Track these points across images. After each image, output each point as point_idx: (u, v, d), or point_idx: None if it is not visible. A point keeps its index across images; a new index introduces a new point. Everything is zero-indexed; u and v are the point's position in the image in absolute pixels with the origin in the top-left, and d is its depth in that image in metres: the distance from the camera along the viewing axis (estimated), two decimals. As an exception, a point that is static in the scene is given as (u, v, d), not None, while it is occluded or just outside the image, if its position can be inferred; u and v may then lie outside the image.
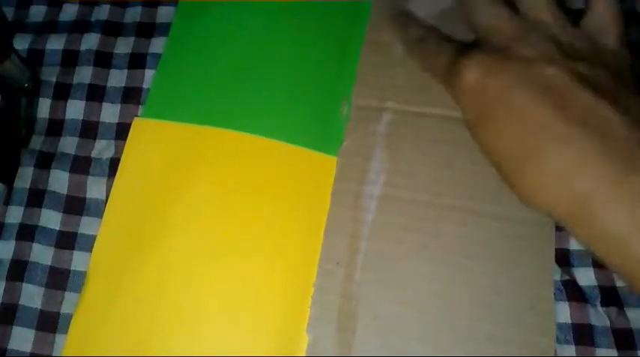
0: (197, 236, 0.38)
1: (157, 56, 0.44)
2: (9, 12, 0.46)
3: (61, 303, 0.37)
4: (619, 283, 0.37)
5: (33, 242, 0.38)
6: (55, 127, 0.42)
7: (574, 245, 0.38)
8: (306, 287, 0.36)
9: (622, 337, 0.35)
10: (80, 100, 0.42)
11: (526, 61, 0.31)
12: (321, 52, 0.43)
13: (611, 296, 0.36)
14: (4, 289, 0.37)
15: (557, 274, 0.36)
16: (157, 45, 0.44)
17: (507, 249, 0.36)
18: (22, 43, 0.44)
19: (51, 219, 0.39)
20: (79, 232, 0.39)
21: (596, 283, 0.37)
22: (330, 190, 0.38)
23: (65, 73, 0.43)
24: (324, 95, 0.41)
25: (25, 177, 0.40)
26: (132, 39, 0.45)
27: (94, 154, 0.41)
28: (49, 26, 0.45)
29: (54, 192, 0.40)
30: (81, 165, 0.40)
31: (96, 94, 0.43)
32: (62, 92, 0.43)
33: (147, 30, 0.45)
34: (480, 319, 0.35)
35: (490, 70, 0.32)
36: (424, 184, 0.38)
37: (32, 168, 0.40)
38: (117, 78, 0.43)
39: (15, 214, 0.39)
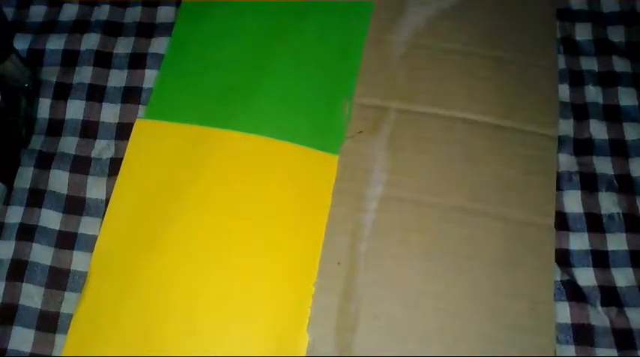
0: (198, 236, 0.38)
1: (157, 56, 0.44)
2: (9, 12, 0.46)
3: (61, 303, 0.37)
4: (619, 283, 0.37)
5: (33, 242, 0.38)
6: (55, 127, 0.42)
7: (574, 245, 0.38)
8: (307, 287, 0.36)
9: (622, 337, 0.35)
10: (80, 100, 0.42)
11: None
12: (323, 51, 0.43)
13: (611, 296, 0.36)
14: (4, 289, 0.37)
15: (557, 274, 0.37)
16: (157, 45, 0.44)
17: (508, 250, 0.36)
18: (22, 43, 0.44)
19: (51, 219, 0.39)
20: (79, 232, 0.39)
21: (596, 283, 0.37)
22: (331, 189, 0.38)
23: (65, 73, 0.43)
24: (326, 94, 0.42)
25: (25, 177, 0.40)
26: (132, 39, 0.45)
27: (94, 154, 0.41)
28: (49, 26, 0.45)
29: (54, 192, 0.40)
30: (81, 165, 0.40)
31: (96, 94, 0.43)
32: (62, 92, 0.43)
33: (147, 30, 0.45)
34: (480, 319, 0.35)
35: None
36: (425, 185, 0.38)
37: (32, 168, 0.40)
38: (117, 78, 0.43)
39: (15, 214, 0.39)
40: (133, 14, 0.46)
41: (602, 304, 0.36)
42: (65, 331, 0.36)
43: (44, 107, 0.43)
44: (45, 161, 0.41)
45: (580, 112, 0.42)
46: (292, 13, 0.44)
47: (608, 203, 0.39)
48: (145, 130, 0.41)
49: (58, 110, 0.42)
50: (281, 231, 0.38)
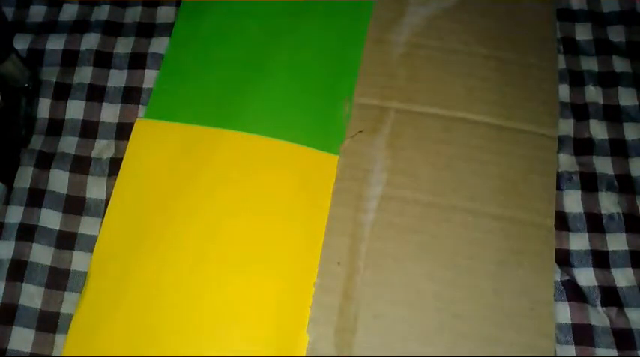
0: (198, 236, 0.38)
1: (157, 56, 0.44)
2: (9, 12, 0.46)
3: (61, 303, 0.37)
4: (619, 283, 0.37)
5: (33, 242, 0.38)
6: (55, 127, 0.42)
7: (574, 245, 0.38)
8: (307, 287, 0.36)
9: (622, 337, 0.35)
10: (80, 100, 0.43)
11: None
12: (323, 51, 0.43)
13: (611, 296, 0.36)
14: (4, 289, 0.37)
15: (557, 274, 0.37)
16: (157, 45, 0.44)
17: (508, 250, 0.36)
18: (22, 43, 0.44)
19: (51, 219, 0.39)
20: (79, 232, 0.39)
21: (596, 283, 0.37)
22: (331, 189, 0.38)
23: (65, 73, 0.43)
24: (326, 94, 0.42)
25: (25, 177, 0.40)
26: (132, 39, 0.45)
27: (94, 154, 0.41)
28: (49, 26, 0.45)
29: (54, 192, 0.40)
30: (81, 165, 0.40)
31: (96, 94, 0.43)
32: (62, 92, 0.43)
33: (147, 30, 0.45)
34: (480, 319, 0.35)
35: None
36: (425, 185, 0.38)
37: (32, 168, 0.40)
38: (117, 78, 0.43)
39: (15, 214, 0.39)
40: (133, 14, 0.46)
41: (602, 304, 0.36)
42: (65, 331, 0.36)
43: (44, 107, 0.43)
44: (45, 161, 0.41)
45: (580, 112, 0.42)
46: (292, 12, 0.44)
47: (608, 203, 0.39)
48: (145, 130, 0.41)
49: (58, 110, 0.42)
50: (281, 231, 0.38)
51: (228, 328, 0.36)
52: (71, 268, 0.38)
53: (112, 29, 0.45)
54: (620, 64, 0.44)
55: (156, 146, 0.40)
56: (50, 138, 0.42)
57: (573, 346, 0.35)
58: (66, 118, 0.42)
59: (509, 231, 0.37)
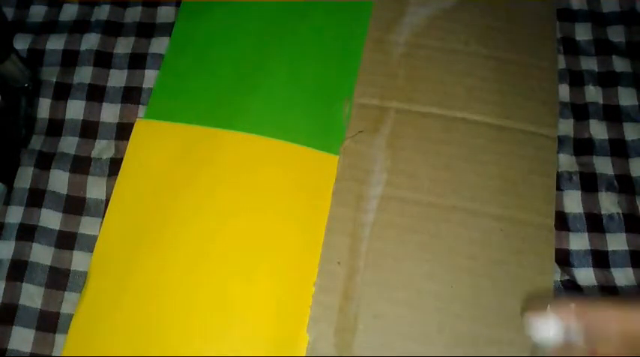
0: (198, 236, 0.38)
1: (157, 56, 0.44)
2: (9, 12, 0.46)
3: (61, 303, 0.37)
4: (619, 283, 0.37)
5: (33, 242, 0.38)
6: (55, 127, 0.42)
7: (574, 245, 0.38)
8: (307, 287, 0.36)
9: (622, 337, 0.35)
10: (80, 100, 0.42)
11: None
12: (323, 51, 0.43)
13: (611, 296, 0.36)
14: (4, 289, 0.37)
15: (557, 274, 0.36)
16: (157, 45, 0.44)
17: (508, 250, 0.36)
18: (22, 43, 0.44)
19: (51, 219, 0.39)
20: (79, 232, 0.39)
21: (596, 283, 0.37)
22: (331, 189, 0.38)
23: (65, 73, 0.43)
24: (326, 94, 0.42)
25: (25, 177, 0.40)
26: (132, 39, 0.45)
27: (94, 154, 0.41)
28: (49, 26, 0.45)
29: (54, 192, 0.40)
30: (81, 165, 0.40)
31: (96, 94, 0.43)
32: (62, 92, 0.43)
33: (147, 30, 0.45)
34: (479, 319, 0.35)
35: None
36: (425, 185, 0.38)
37: (32, 168, 0.40)
38: (117, 78, 0.43)
39: (15, 214, 0.39)
40: (133, 14, 0.46)
41: (602, 304, 0.36)
42: (65, 331, 0.36)
43: (44, 107, 0.43)
44: (45, 161, 0.41)
45: (580, 112, 0.42)
46: (292, 12, 0.44)
47: (608, 203, 0.39)
48: (145, 130, 0.41)
49: (58, 110, 0.42)
50: (281, 231, 0.38)
51: (228, 328, 0.36)
52: (71, 268, 0.38)
53: (112, 29, 0.45)
54: (620, 64, 0.44)
55: (156, 146, 0.40)
56: (50, 138, 0.42)
57: (573, 346, 0.35)
58: (66, 118, 0.42)
59: (509, 231, 0.37)
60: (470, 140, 0.39)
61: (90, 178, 0.40)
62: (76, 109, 0.42)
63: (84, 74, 0.43)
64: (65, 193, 0.40)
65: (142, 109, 0.42)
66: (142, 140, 0.41)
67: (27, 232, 0.38)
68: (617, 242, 0.38)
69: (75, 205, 0.39)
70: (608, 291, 0.37)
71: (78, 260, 0.38)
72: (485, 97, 0.41)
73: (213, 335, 0.36)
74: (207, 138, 0.40)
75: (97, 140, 0.41)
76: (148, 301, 0.36)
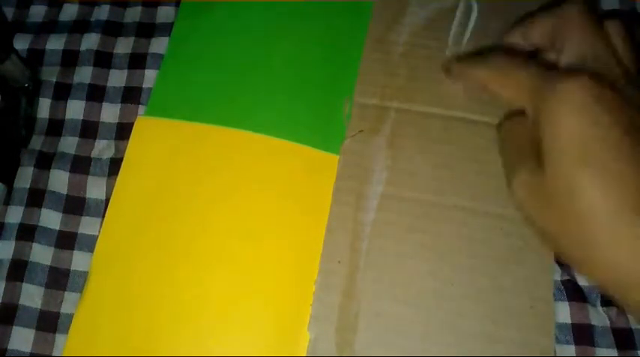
0: (198, 235, 0.38)
1: (157, 56, 0.44)
2: (9, 12, 0.46)
3: (61, 303, 0.37)
4: (619, 283, 0.37)
5: (33, 242, 0.38)
6: (55, 127, 0.42)
7: (574, 245, 0.38)
8: (308, 285, 0.36)
9: (622, 337, 0.35)
10: (80, 100, 0.42)
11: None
12: (324, 50, 0.43)
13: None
14: (4, 289, 0.37)
15: (557, 274, 0.37)
16: (157, 45, 0.44)
17: (508, 249, 0.36)
18: (22, 43, 0.44)
19: (51, 219, 0.39)
20: (79, 232, 0.39)
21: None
22: (331, 188, 0.38)
23: (65, 73, 0.43)
24: (327, 93, 0.42)
25: (25, 177, 0.40)
26: (132, 39, 0.45)
27: (94, 154, 0.41)
28: (49, 26, 0.45)
29: (54, 192, 0.40)
30: (81, 165, 0.40)
31: (96, 94, 0.43)
32: (62, 92, 0.43)
33: (147, 30, 0.45)
34: (480, 318, 0.35)
35: (599, 99, 0.27)
36: (426, 184, 0.38)
37: (32, 168, 0.40)
38: (117, 78, 0.43)
39: (15, 214, 0.39)
40: (133, 14, 0.46)
41: (602, 304, 0.36)
42: (65, 331, 0.36)
43: (44, 107, 0.43)
44: (45, 161, 0.41)
45: (580, 111, 0.42)
46: (292, 12, 0.44)
47: (608, 203, 0.39)
48: (146, 128, 0.41)
49: (58, 110, 0.42)
50: (281, 230, 0.38)
51: (228, 328, 0.36)
52: (71, 268, 0.38)
53: (112, 29, 0.45)
54: (620, 64, 0.43)
55: (156, 144, 0.40)
56: (50, 138, 0.42)
57: (573, 346, 0.35)
58: (66, 118, 0.42)
59: (510, 230, 0.37)
60: (470, 139, 0.39)
61: (90, 178, 0.40)
62: (76, 109, 0.42)
63: (84, 74, 0.43)
64: (65, 193, 0.40)
65: (142, 109, 0.42)
66: (142, 138, 0.41)
67: (27, 232, 0.38)
68: (617, 242, 0.38)
69: (75, 205, 0.39)
70: (608, 291, 0.37)
71: (78, 260, 0.38)
72: (485, 96, 0.41)
73: (213, 335, 0.36)
74: (207, 135, 0.40)
75: (97, 140, 0.41)
76: (148, 300, 0.36)
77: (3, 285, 0.37)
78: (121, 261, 0.37)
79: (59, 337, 0.36)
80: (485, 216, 0.37)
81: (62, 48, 0.44)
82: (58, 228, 0.39)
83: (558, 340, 0.35)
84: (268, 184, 0.39)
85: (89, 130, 0.42)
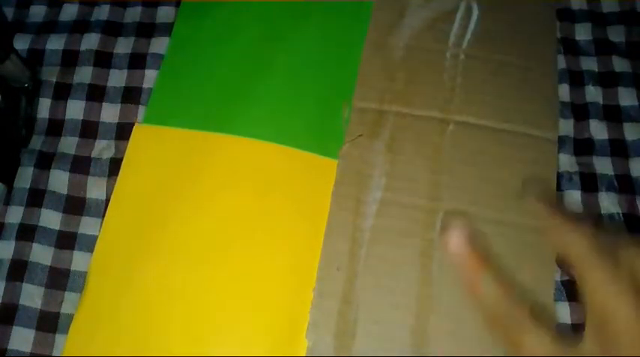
0: (197, 238, 0.38)
1: (157, 56, 0.44)
2: (9, 12, 0.46)
3: (61, 303, 0.37)
4: (619, 284, 0.37)
5: (33, 242, 0.38)
6: (55, 127, 0.42)
7: (574, 245, 0.38)
8: (306, 292, 0.36)
9: (622, 337, 0.35)
10: (80, 100, 0.42)
11: None
12: (323, 54, 0.43)
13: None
14: (4, 289, 0.37)
15: (557, 274, 0.36)
16: (157, 45, 0.44)
17: (508, 254, 0.36)
18: (22, 43, 0.44)
19: (51, 219, 0.39)
20: (79, 232, 0.39)
21: (596, 283, 0.37)
22: (330, 193, 0.38)
23: (65, 73, 0.43)
24: (325, 98, 0.41)
25: (25, 177, 0.40)
26: (132, 39, 0.45)
27: (94, 154, 0.41)
28: (49, 26, 0.45)
29: (54, 192, 0.40)
30: (81, 165, 0.40)
31: (96, 94, 0.43)
32: (62, 92, 0.43)
33: (147, 30, 0.45)
34: (480, 324, 0.35)
35: None
36: (425, 189, 0.38)
37: (32, 168, 0.40)
38: (117, 78, 0.43)
39: (15, 214, 0.39)
40: (133, 14, 0.46)
41: (602, 304, 0.36)
42: (65, 331, 0.36)
43: (44, 107, 0.43)
44: (45, 161, 0.41)
45: (580, 112, 0.42)
46: (292, 14, 0.44)
47: (608, 203, 0.39)
48: (144, 135, 0.41)
49: (58, 110, 0.42)
50: (279, 235, 0.38)
51: (227, 333, 0.36)
52: (71, 268, 0.38)
53: (112, 29, 0.45)
54: (620, 64, 0.43)
55: (154, 151, 0.40)
56: (50, 138, 0.42)
57: (573, 346, 0.35)
58: (66, 118, 0.42)
59: (510, 235, 0.37)
60: (469, 144, 0.39)
61: (90, 178, 0.40)
62: (76, 109, 0.42)
63: (84, 74, 0.43)
64: (65, 193, 0.40)
65: (141, 109, 0.42)
66: (140, 145, 0.41)
67: (27, 232, 0.38)
68: (617, 242, 0.38)
69: (75, 205, 0.39)
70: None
71: (78, 260, 0.38)
72: (485, 100, 0.41)
73: (212, 339, 0.36)
74: (206, 142, 0.40)
75: (97, 140, 0.41)
76: (148, 301, 0.37)
77: (3, 285, 0.37)
78: (121, 262, 0.37)
79: (59, 337, 0.36)
80: (484, 221, 0.37)
81: (62, 48, 0.44)
82: (58, 228, 0.39)
83: (558, 341, 0.35)
84: (266, 189, 0.39)
85: (89, 130, 0.42)
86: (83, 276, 0.37)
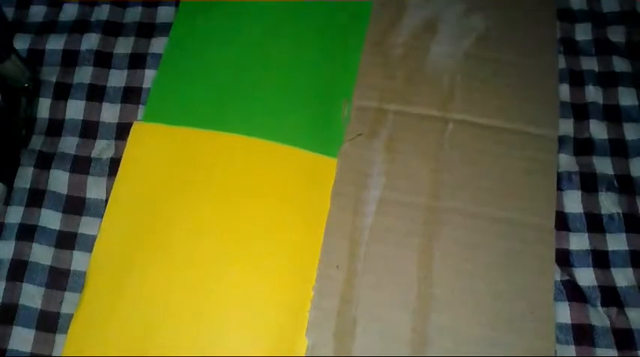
0: (197, 239, 0.38)
1: (157, 56, 0.44)
2: (9, 12, 0.46)
3: (61, 303, 0.37)
4: (619, 283, 0.37)
5: (33, 242, 0.38)
6: (55, 127, 0.42)
7: (574, 245, 0.38)
8: (306, 291, 0.36)
9: (622, 337, 0.35)
10: (80, 100, 0.43)
11: None
12: (322, 53, 0.43)
13: (611, 296, 0.36)
14: (4, 289, 0.37)
15: (557, 274, 0.37)
16: (157, 45, 0.44)
17: (508, 253, 0.36)
18: (22, 43, 0.44)
19: (51, 219, 0.39)
20: (79, 232, 0.39)
21: (596, 284, 0.37)
22: (329, 192, 0.38)
23: (65, 73, 0.44)
24: (325, 96, 0.41)
25: (25, 177, 0.40)
26: (132, 39, 0.45)
27: (94, 154, 0.41)
28: (49, 26, 0.45)
29: (54, 192, 0.40)
30: (81, 165, 0.40)
31: (96, 94, 0.43)
32: (62, 92, 0.43)
33: (147, 30, 0.45)
34: (480, 323, 0.35)
35: None
36: (424, 188, 0.38)
37: (32, 168, 0.40)
38: (117, 78, 0.43)
39: (15, 214, 0.39)
40: (133, 14, 0.46)
41: (602, 304, 0.36)
42: (65, 331, 0.36)
43: (44, 107, 0.43)
44: (45, 161, 0.41)
45: (580, 112, 0.42)
46: (291, 14, 0.44)
47: (608, 203, 0.39)
48: (143, 133, 0.41)
49: (57, 110, 0.42)
50: (279, 234, 0.38)
51: (226, 332, 0.36)
52: (71, 268, 0.38)
53: (112, 29, 0.45)
54: (620, 64, 0.43)
55: (153, 149, 0.40)
56: (50, 138, 0.42)
57: (573, 346, 0.35)
58: (66, 118, 0.42)
59: (509, 233, 0.37)
60: (469, 142, 0.39)
61: (90, 178, 0.40)
62: (76, 109, 0.42)
63: (84, 74, 0.43)
64: (65, 193, 0.40)
65: (141, 109, 0.42)
66: (139, 143, 0.41)
67: (27, 232, 0.38)
68: (617, 242, 0.38)
69: (75, 205, 0.39)
70: (608, 291, 0.37)
71: (78, 260, 0.38)
72: (485, 98, 0.41)
73: (211, 338, 0.36)
74: (204, 141, 0.40)
75: (97, 140, 0.41)
76: (147, 301, 0.36)
77: (3, 285, 0.37)
78: (119, 262, 0.37)
79: (59, 337, 0.36)
80: (484, 219, 0.37)
81: (62, 48, 0.44)
82: (58, 228, 0.39)
83: (558, 341, 0.35)
84: (266, 188, 0.39)
85: (89, 130, 0.42)
86: (83, 276, 0.37)
